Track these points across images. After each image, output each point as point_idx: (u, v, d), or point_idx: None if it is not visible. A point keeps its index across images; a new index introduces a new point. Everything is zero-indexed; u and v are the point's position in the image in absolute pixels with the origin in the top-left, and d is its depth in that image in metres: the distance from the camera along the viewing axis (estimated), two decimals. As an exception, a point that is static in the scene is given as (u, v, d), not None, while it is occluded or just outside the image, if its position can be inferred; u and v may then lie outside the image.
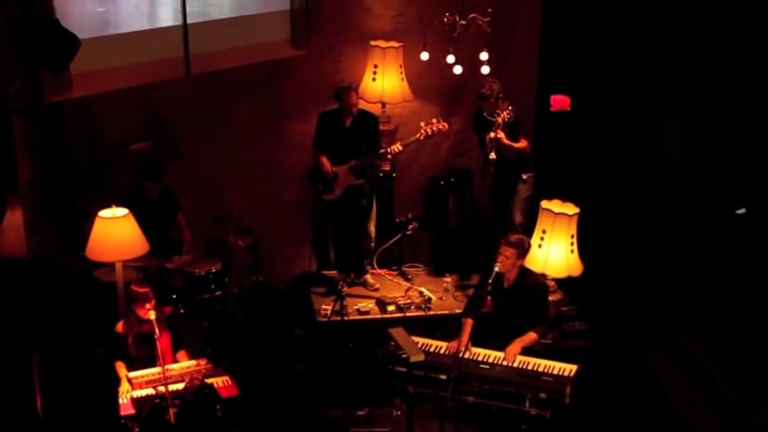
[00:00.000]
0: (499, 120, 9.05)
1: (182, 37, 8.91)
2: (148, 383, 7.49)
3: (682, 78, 9.53)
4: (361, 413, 8.67)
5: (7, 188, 5.18)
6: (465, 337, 7.74)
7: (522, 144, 9.33)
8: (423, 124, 9.17)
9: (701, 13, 9.19)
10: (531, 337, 7.75)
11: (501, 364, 7.58)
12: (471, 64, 9.70)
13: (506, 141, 9.14)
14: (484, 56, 9.49)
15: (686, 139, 9.70)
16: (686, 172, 9.67)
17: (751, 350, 8.39)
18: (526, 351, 7.71)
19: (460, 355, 7.58)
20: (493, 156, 9.15)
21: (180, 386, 7.45)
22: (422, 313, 9.05)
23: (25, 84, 7.40)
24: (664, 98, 9.80)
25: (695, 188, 9.53)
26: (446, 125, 9.25)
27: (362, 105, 9.55)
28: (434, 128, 9.15)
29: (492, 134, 9.08)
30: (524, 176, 9.57)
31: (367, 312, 9.08)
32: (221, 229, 9.71)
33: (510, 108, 9.08)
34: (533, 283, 7.96)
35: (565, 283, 9.07)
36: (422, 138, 9.18)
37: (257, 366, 8.80)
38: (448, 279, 9.47)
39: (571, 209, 8.59)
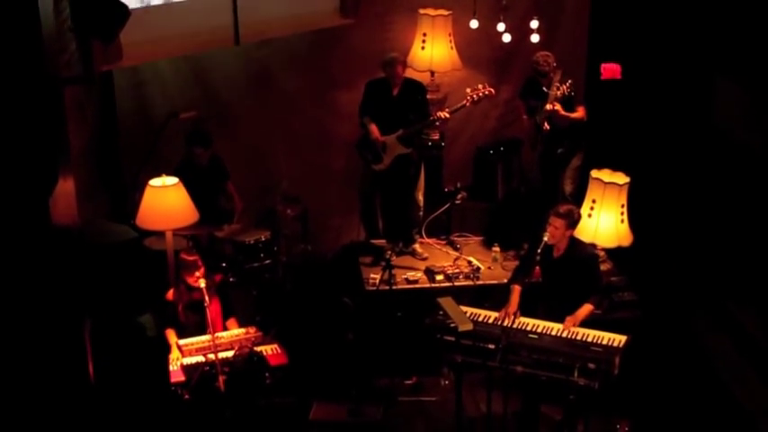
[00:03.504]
0: (558, 93, 9.01)
1: (231, 6, 8.90)
2: (198, 351, 7.57)
3: (735, 44, 9.38)
4: (409, 382, 8.71)
5: (59, 157, 5.21)
6: (514, 302, 7.71)
7: (579, 113, 9.29)
8: (469, 90, 9.13)
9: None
10: (588, 308, 7.68)
11: (550, 334, 7.55)
12: (521, 32, 9.64)
13: (563, 113, 9.11)
14: (534, 24, 9.45)
15: (740, 106, 9.57)
16: (739, 140, 9.54)
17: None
18: (575, 321, 7.69)
19: (509, 320, 7.56)
20: (546, 127, 9.14)
21: (229, 354, 7.52)
22: (470, 283, 9.05)
23: (76, 53, 7.43)
24: (717, 65, 9.66)
25: (748, 157, 9.40)
26: (493, 91, 9.21)
27: (411, 74, 9.52)
28: (481, 93, 9.12)
29: (549, 106, 9.05)
30: (578, 146, 9.52)
31: (415, 281, 9.08)
32: (270, 199, 9.73)
33: (569, 82, 9.03)
34: (584, 253, 7.87)
35: (615, 254, 9.01)
36: (468, 104, 9.15)
37: (306, 335, 8.86)
38: (497, 249, 9.43)
39: (621, 178, 8.51)
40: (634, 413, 8.20)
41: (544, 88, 9.27)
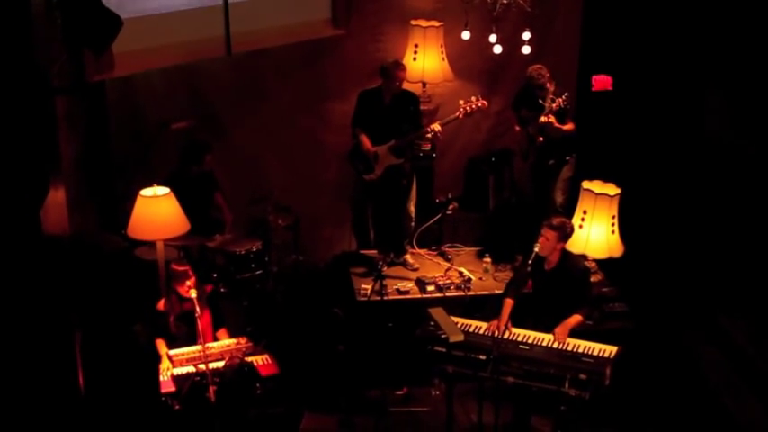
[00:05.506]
0: (554, 106, 9.05)
1: (223, 16, 8.92)
2: (189, 361, 7.55)
3: (725, 54, 9.42)
4: (400, 393, 8.69)
5: (50, 167, 5.22)
6: (504, 316, 7.71)
7: (569, 127, 9.32)
8: (462, 102, 9.12)
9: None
10: (577, 319, 7.69)
11: (541, 345, 7.55)
12: (512, 44, 9.65)
13: (557, 125, 9.14)
14: (526, 35, 9.46)
15: (731, 115, 9.60)
16: (732, 147, 9.54)
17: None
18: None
19: (499, 334, 7.57)
20: (540, 138, 9.19)
21: (220, 364, 7.51)
22: (461, 293, 9.03)
23: (67, 63, 7.44)
24: (707, 76, 9.70)
25: (738, 168, 9.44)
26: (486, 103, 9.21)
27: (403, 85, 9.53)
28: (474, 105, 9.11)
29: (543, 118, 9.09)
30: (567, 158, 9.55)
31: (406, 292, 9.07)
32: (261, 209, 9.73)
33: (566, 95, 9.05)
34: (575, 267, 7.86)
35: (605, 264, 9.01)
36: (461, 116, 9.14)
37: (296, 345, 8.85)
38: (488, 259, 9.43)
39: (612, 189, 8.53)
40: (625, 424, 8.21)
41: (540, 100, 9.29)
